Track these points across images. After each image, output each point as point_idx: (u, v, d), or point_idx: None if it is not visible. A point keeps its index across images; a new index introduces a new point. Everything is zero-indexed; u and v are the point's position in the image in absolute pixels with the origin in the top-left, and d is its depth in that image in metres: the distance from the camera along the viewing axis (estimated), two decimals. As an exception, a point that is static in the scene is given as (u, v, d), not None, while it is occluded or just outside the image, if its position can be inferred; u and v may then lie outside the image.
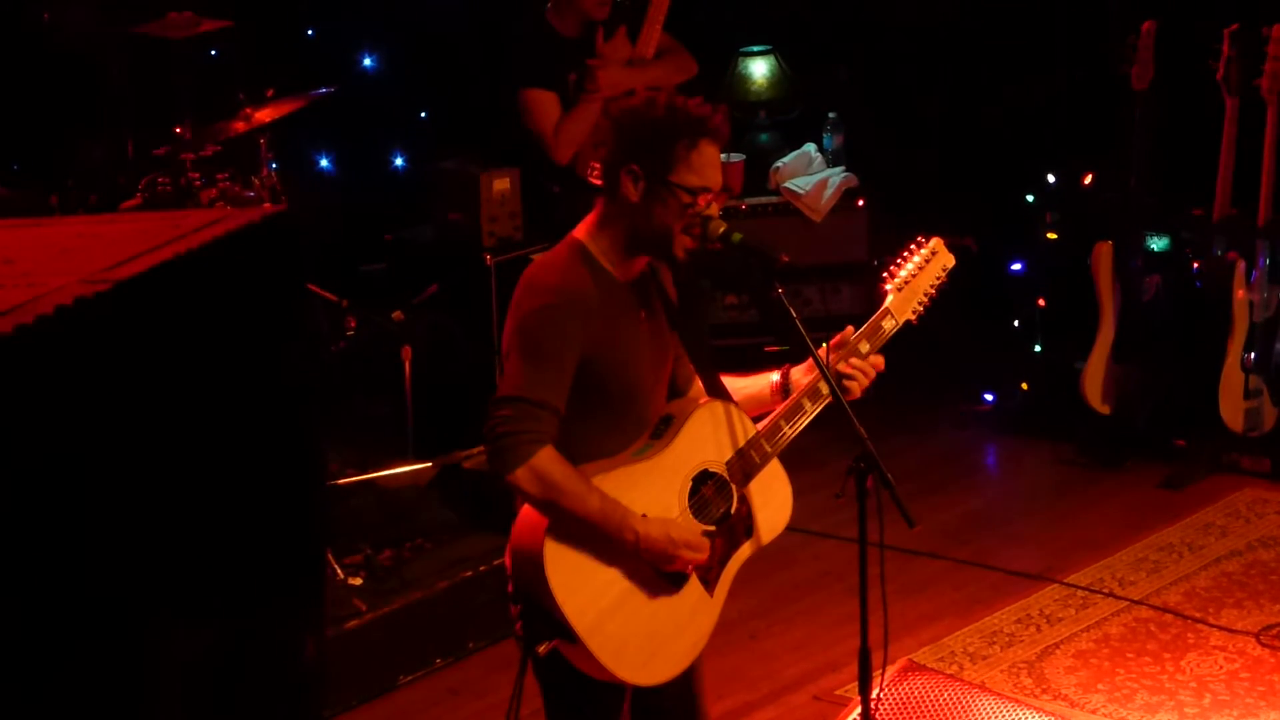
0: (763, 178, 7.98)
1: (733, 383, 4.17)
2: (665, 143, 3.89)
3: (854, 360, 4.10)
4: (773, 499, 4.10)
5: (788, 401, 4.06)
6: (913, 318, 4.25)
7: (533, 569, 3.83)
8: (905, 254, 4.30)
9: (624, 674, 3.89)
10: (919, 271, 4.28)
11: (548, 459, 3.79)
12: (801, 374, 4.13)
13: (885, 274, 4.27)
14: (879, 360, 4.15)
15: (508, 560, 3.96)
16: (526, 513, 3.89)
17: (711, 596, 4.02)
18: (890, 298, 4.23)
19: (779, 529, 4.13)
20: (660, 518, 3.89)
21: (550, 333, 3.85)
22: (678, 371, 4.17)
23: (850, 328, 4.18)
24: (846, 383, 4.08)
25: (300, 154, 8.01)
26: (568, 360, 3.85)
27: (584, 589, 3.84)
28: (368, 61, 8.43)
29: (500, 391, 3.86)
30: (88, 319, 2.39)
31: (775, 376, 4.16)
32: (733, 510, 4.02)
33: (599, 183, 4.00)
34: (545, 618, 3.83)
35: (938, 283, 4.30)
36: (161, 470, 2.55)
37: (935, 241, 4.34)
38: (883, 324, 4.20)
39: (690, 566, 3.93)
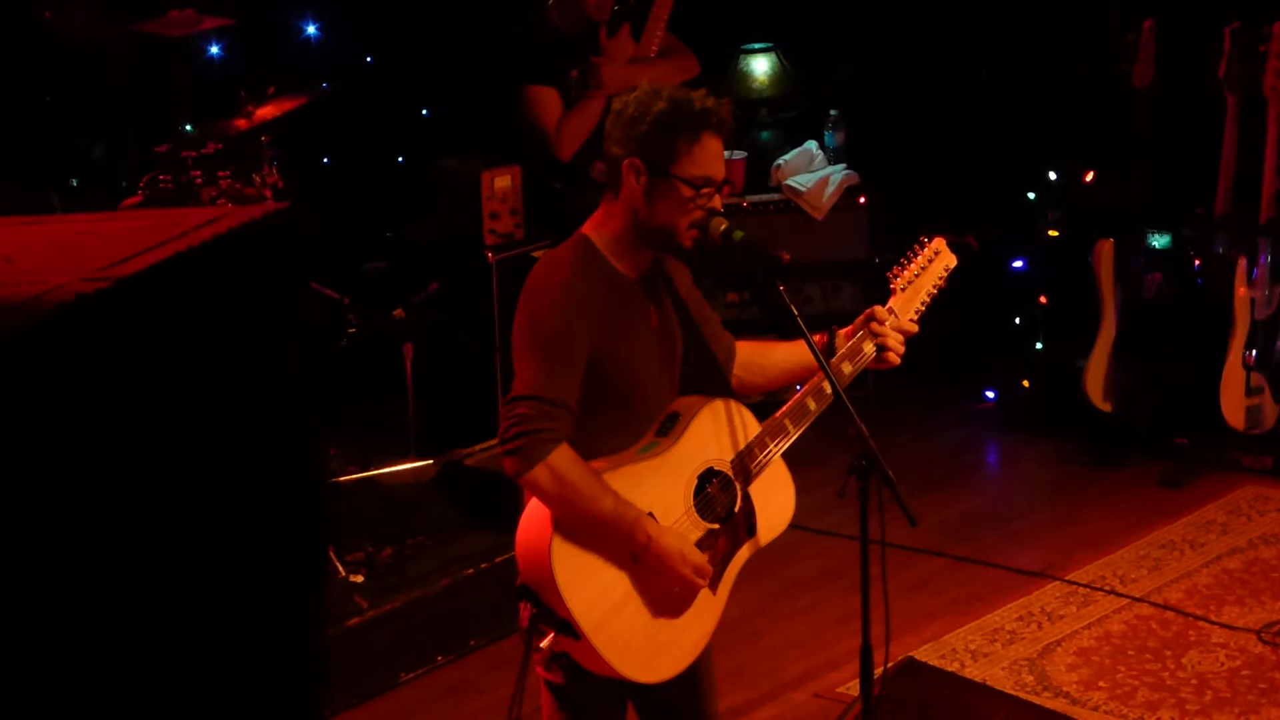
0: (764, 175, 7.98)
1: (776, 350, 4.19)
2: (666, 136, 3.88)
3: (883, 328, 4.11)
4: (776, 499, 4.10)
5: (791, 402, 4.06)
6: (915, 318, 4.25)
7: (539, 565, 3.83)
8: (908, 254, 4.29)
9: (628, 671, 3.89)
10: (921, 272, 4.28)
11: (565, 458, 3.79)
12: (846, 336, 4.13)
13: (889, 274, 4.27)
14: (912, 325, 4.18)
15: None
16: (533, 508, 3.89)
17: (715, 595, 4.02)
18: (894, 297, 4.23)
19: (780, 529, 4.13)
20: (678, 533, 3.90)
21: (560, 330, 3.85)
22: (697, 365, 4.15)
23: (846, 328, 4.19)
24: (884, 354, 4.10)
25: (302, 151, 8.00)
26: (578, 357, 3.86)
27: (590, 586, 3.84)
28: (369, 59, 8.42)
29: (514, 391, 3.85)
30: (88, 317, 2.39)
31: (820, 339, 4.14)
32: (736, 508, 4.03)
33: (603, 179, 4.01)
34: (550, 614, 3.84)
35: (940, 283, 4.30)
36: (161, 469, 2.55)
37: (937, 241, 4.33)
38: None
39: (694, 582, 3.93)
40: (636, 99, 3.94)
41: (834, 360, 4.06)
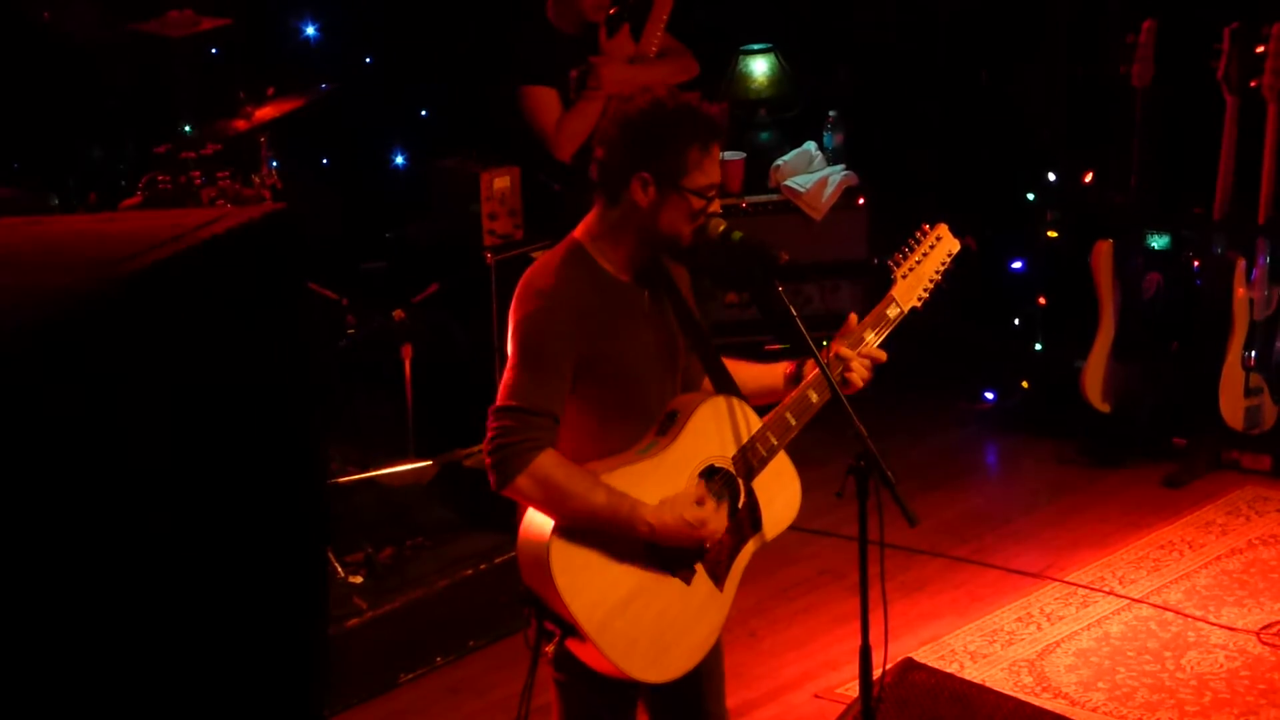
0: (763, 176, 7.97)
1: (745, 369, 4.15)
2: (677, 150, 3.86)
3: (850, 352, 4.07)
4: (780, 493, 4.09)
5: (794, 394, 4.05)
6: (918, 304, 4.21)
7: (539, 569, 3.83)
8: (910, 241, 4.27)
9: (635, 671, 3.89)
10: (924, 258, 4.25)
11: (547, 462, 3.78)
12: (813, 365, 4.11)
13: (890, 261, 4.24)
14: (880, 353, 4.13)
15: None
16: (533, 512, 3.88)
17: (721, 591, 4.02)
18: (895, 285, 4.21)
19: (786, 523, 4.11)
20: (669, 499, 3.88)
21: (543, 338, 3.84)
22: (689, 366, 4.14)
23: (854, 315, 4.17)
24: (846, 375, 4.06)
25: (301, 152, 8.00)
26: (563, 365, 3.85)
27: (591, 587, 3.83)
28: (368, 59, 8.42)
29: (498, 401, 3.86)
30: (86, 317, 2.39)
31: (788, 367, 4.13)
32: (740, 504, 4.02)
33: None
34: (554, 617, 3.84)
35: (943, 269, 4.26)
36: (160, 469, 2.55)
37: (940, 227, 4.30)
38: (887, 311, 4.17)
39: (714, 539, 3.92)
40: (640, 110, 3.88)
41: (798, 389, 4.04)
